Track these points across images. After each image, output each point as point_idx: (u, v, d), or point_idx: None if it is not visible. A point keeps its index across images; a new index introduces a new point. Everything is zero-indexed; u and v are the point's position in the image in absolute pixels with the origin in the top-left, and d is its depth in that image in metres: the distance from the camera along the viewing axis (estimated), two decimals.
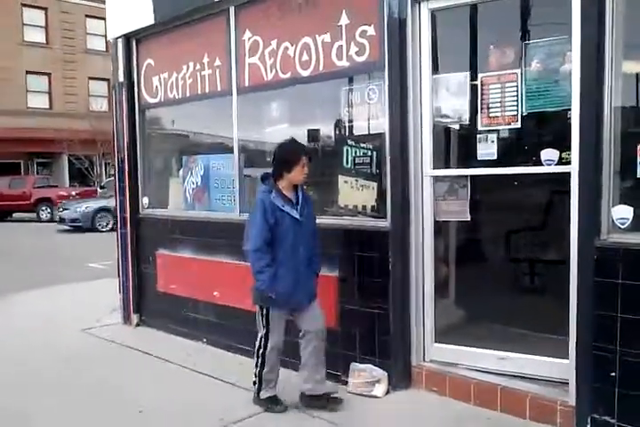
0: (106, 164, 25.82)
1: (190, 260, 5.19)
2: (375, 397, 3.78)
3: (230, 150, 4.98)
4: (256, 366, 3.68)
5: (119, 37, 5.77)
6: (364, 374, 3.85)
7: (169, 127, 6.14)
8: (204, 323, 5.10)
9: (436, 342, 3.87)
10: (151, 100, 5.74)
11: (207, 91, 5.15)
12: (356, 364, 3.95)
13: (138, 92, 5.80)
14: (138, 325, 5.79)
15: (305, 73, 4.36)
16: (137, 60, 5.78)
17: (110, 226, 16.10)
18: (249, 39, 4.72)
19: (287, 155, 3.59)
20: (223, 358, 4.76)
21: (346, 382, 3.97)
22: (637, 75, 3.37)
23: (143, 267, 5.74)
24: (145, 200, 5.83)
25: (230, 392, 4.03)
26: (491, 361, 3.67)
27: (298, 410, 3.68)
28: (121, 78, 5.82)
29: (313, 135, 4.79)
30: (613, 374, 2.95)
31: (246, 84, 4.80)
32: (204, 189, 5.30)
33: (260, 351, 3.65)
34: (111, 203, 16.14)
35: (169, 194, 5.80)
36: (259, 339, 3.67)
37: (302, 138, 4.74)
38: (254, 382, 3.70)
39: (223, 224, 4.95)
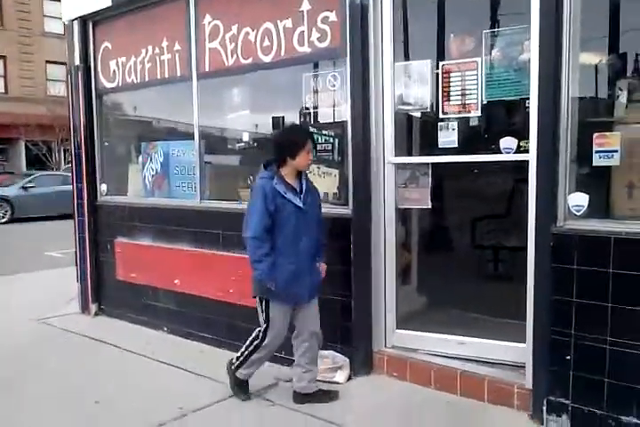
0: (65, 150, 25.12)
1: (150, 248, 5.11)
2: (337, 383, 3.80)
3: (191, 137, 4.90)
4: (241, 354, 3.54)
5: (75, 20, 5.59)
6: (327, 360, 3.86)
7: (128, 113, 6.00)
8: (164, 311, 5.04)
9: (397, 328, 3.91)
10: (109, 85, 5.60)
11: (166, 76, 5.04)
12: (319, 350, 3.95)
13: (95, 76, 5.65)
14: (96, 314, 5.69)
15: (266, 59, 4.31)
16: (94, 44, 5.63)
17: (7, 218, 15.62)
18: (209, 23, 4.63)
19: (292, 139, 3.37)
20: (184, 346, 4.71)
21: None
22: (596, 66, 3.43)
23: (102, 255, 5.63)
24: (103, 187, 5.70)
25: (191, 380, 3.99)
26: (451, 346, 3.73)
27: (259, 397, 3.68)
28: (77, 62, 5.65)
29: (275, 122, 4.75)
30: (569, 357, 3.02)
31: (207, 69, 4.72)
32: (164, 175, 5.21)
33: (255, 342, 3.48)
34: (7, 191, 15.85)
35: (128, 181, 5.68)
36: (255, 333, 3.49)
37: (265, 125, 4.72)
38: (236, 359, 3.57)
39: (184, 211, 4.88)
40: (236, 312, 4.42)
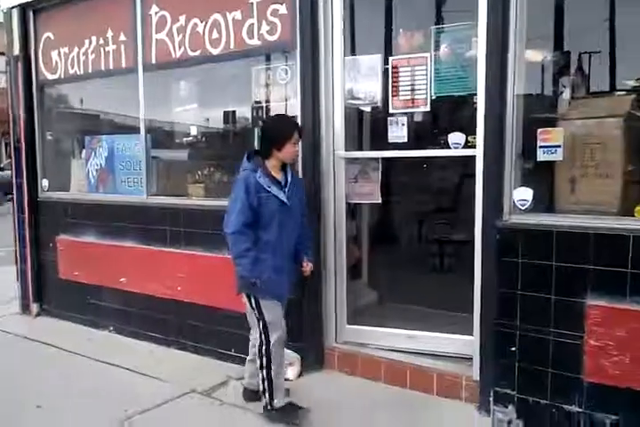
0: (6, 144, 24.17)
1: (95, 245, 4.95)
2: (287, 380, 3.75)
3: (137, 131, 4.76)
4: (261, 367, 3.19)
5: (14, 7, 5.35)
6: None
7: (71, 105, 5.81)
8: (110, 311, 4.89)
9: (348, 323, 3.90)
10: (50, 76, 5.39)
11: (111, 67, 4.89)
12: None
13: (35, 67, 5.43)
14: (38, 314, 5.48)
15: (215, 51, 4.23)
16: (35, 33, 5.40)
17: None
18: (156, 14, 4.51)
19: (279, 130, 3.21)
20: (131, 346, 4.59)
21: None
22: (541, 64, 3.50)
23: (43, 253, 5.43)
24: (45, 183, 5.48)
25: (138, 381, 3.89)
26: (400, 340, 3.75)
27: (207, 396, 3.61)
28: (16, 52, 5.41)
29: (225, 116, 4.69)
30: (514, 348, 3.07)
31: (153, 61, 4.59)
32: (109, 170, 5.05)
33: (263, 348, 3.18)
34: None
35: (71, 176, 5.49)
36: (257, 335, 3.23)
37: (214, 119, 4.64)
38: (263, 390, 3.21)
39: (130, 207, 4.75)
40: (185, 310, 4.35)
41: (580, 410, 2.90)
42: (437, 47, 3.52)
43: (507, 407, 3.12)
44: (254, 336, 3.30)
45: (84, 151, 5.30)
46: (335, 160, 3.78)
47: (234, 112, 4.69)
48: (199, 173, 4.66)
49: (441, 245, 4.55)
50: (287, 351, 3.80)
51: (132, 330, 4.73)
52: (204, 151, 4.99)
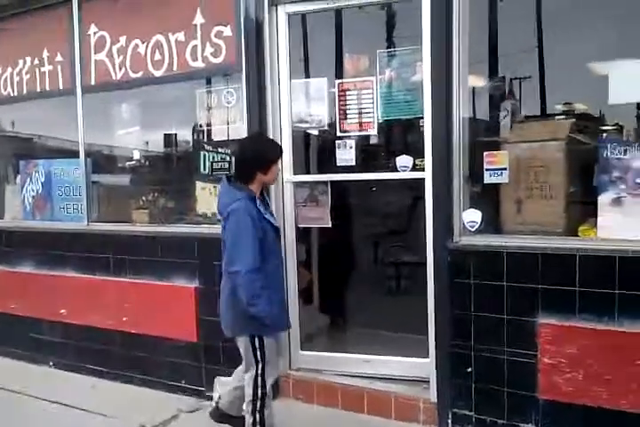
0: None
1: (31, 275, 4.70)
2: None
3: (76, 155, 4.58)
4: (253, 412, 2.93)
5: None
6: (229, 387, 3.71)
7: (4, 128, 5.53)
8: (49, 344, 4.64)
9: (302, 349, 3.84)
10: None
11: (48, 88, 4.72)
12: (221, 377, 3.79)
13: None
14: None
15: (158, 73, 4.14)
16: None
17: None
18: (95, 34, 4.40)
19: (264, 152, 2.93)
20: (73, 381, 4.36)
21: (210, 398, 3.80)
22: (483, 88, 3.60)
23: None
24: None
25: (81, 419, 3.69)
26: (356, 365, 3.71)
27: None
28: None
29: (168, 140, 4.59)
30: (470, 369, 3.10)
31: (92, 82, 4.46)
32: (46, 196, 4.84)
33: (259, 392, 2.92)
34: None
35: (4, 203, 5.22)
36: (252, 379, 2.93)
37: (157, 142, 4.53)
38: None
39: (70, 235, 4.55)
40: (131, 341, 4.17)
41: None
42: (383, 71, 3.56)
43: None
44: (248, 371, 2.98)
45: (18, 176, 5.06)
46: (284, 184, 3.74)
47: (176, 135, 4.59)
48: (143, 198, 4.52)
49: (394, 267, 4.57)
50: None
51: (74, 364, 4.50)
52: (147, 176, 4.85)
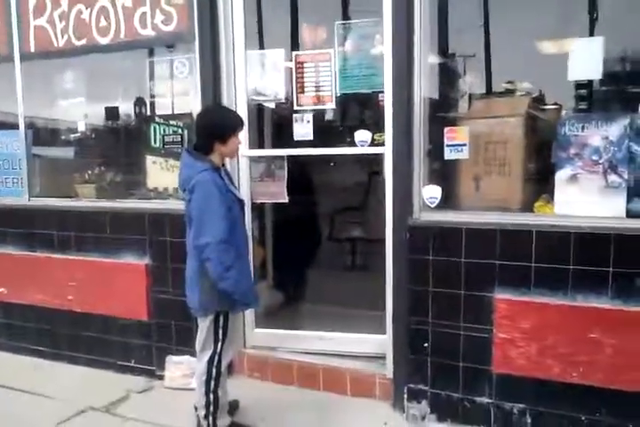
0: None
1: None
2: (192, 389, 3.57)
3: (15, 126, 4.32)
4: (207, 393, 2.87)
5: None
6: (182, 366, 3.63)
7: None
8: None
9: (256, 327, 3.78)
10: None
11: None
12: (173, 356, 3.71)
13: None
14: None
15: (103, 41, 3.93)
16: None
17: None
18: None
19: (223, 123, 2.83)
20: (14, 362, 4.18)
21: (162, 377, 3.71)
22: (444, 63, 3.57)
23: None
24: None
25: (26, 401, 3.54)
26: (311, 342, 3.68)
27: (107, 413, 3.36)
28: None
29: (113, 112, 4.37)
30: (426, 344, 3.11)
31: (32, 49, 4.19)
32: None
33: (214, 372, 2.86)
34: None
35: None
36: (207, 358, 2.86)
37: (104, 114, 4.32)
38: (206, 415, 2.89)
39: (9, 210, 4.32)
40: (77, 321, 4.03)
41: (490, 401, 2.99)
42: (342, 43, 3.47)
43: (420, 403, 3.16)
44: (204, 350, 2.90)
45: None
46: (239, 159, 3.63)
47: (124, 107, 4.38)
48: (89, 172, 4.31)
49: (351, 243, 4.54)
50: (192, 359, 3.62)
51: (15, 344, 4.31)
52: (92, 149, 4.62)
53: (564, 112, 3.28)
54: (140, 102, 4.17)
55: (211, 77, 3.57)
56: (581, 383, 2.77)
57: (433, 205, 3.16)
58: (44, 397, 3.57)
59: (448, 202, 3.19)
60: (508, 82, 3.58)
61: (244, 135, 3.51)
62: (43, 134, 4.53)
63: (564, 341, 2.80)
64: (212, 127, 2.82)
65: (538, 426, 2.89)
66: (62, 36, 4.06)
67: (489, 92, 3.61)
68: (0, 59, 4.33)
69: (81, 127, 4.46)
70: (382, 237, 3.31)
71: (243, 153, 3.62)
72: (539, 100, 3.47)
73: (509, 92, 3.54)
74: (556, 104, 3.43)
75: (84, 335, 4.02)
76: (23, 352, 4.26)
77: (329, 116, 3.74)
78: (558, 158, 2.96)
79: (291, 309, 4.24)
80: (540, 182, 3.18)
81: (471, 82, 3.55)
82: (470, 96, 3.50)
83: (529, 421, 2.91)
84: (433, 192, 3.17)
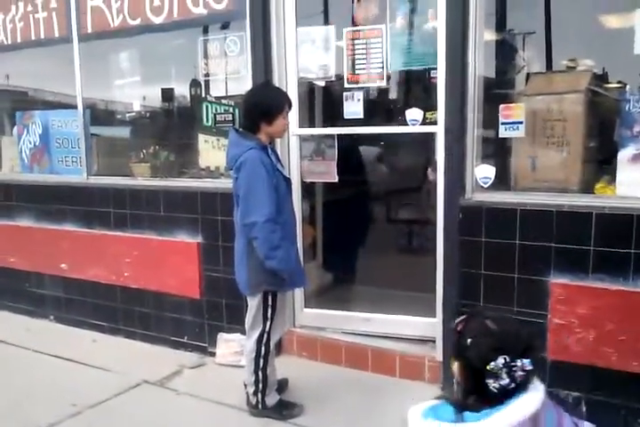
0: None
1: (31, 229, 4.62)
2: (242, 367, 3.63)
3: (74, 106, 4.43)
4: (256, 371, 2.92)
5: None
6: (233, 344, 3.69)
7: None
8: (50, 299, 4.61)
9: (305, 307, 3.79)
10: None
11: (42, 37, 4.52)
12: (224, 334, 3.77)
13: None
14: None
15: (157, 20, 3.96)
16: None
17: None
18: None
19: (269, 102, 2.79)
20: (74, 335, 4.34)
21: (214, 354, 3.78)
22: (501, 39, 3.42)
23: None
24: None
25: (84, 373, 3.67)
26: (360, 323, 3.66)
27: (161, 387, 3.45)
28: None
29: (168, 92, 4.42)
30: None
31: (89, 30, 4.27)
32: (44, 149, 4.71)
33: (263, 351, 2.90)
34: None
35: (1, 155, 5.09)
36: (256, 337, 2.90)
37: (157, 93, 4.38)
38: (255, 392, 2.96)
39: (69, 188, 4.44)
40: (133, 297, 4.14)
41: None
42: (394, 19, 3.37)
43: None
44: (254, 329, 2.93)
45: (15, 128, 4.91)
46: (289, 137, 3.61)
47: (177, 86, 4.43)
48: (144, 151, 4.40)
49: (401, 224, 4.47)
50: (242, 337, 3.67)
51: (75, 318, 4.48)
52: (147, 128, 4.71)
53: (627, 88, 3.10)
54: (193, 82, 4.20)
55: (262, 56, 3.54)
56: None
57: (486, 186, 3.07)
58: (101, 369, 3.69)
59: (502, 182, 3.09)
60: (570, 60, 3.41)
61: (293, 114, 3.51)
62: (100, 114, 4.63)
63: (623, 328, 2.68)
64: (258, 107, 2.79)
65: (594, 414, 2.79)
66: (117, 16, 4.11)
67: (549, 70, 3.44)
68: (59, 40, 4.43)
69: (136, 107, 4.55)
70: (434, 217, 3.24)
71: (293, 132, 3.60)
72: (601, 78, 3.30)
73: (570, 70, 3.37)
74: (619, 82, 3.25)
75: (140, 311, 4.14)
76: (82, 326, 4.43)
77: (380, 94, 3.67)
78: (621, 137, 2.81)
79: (340, 289, 4.23)
80: (601, 162, 3.03)
81: (529, 59, 3.40)
82: (528, 74, 3.35)
83: (584, 409, 2.82)
84: (486, 172, 3.06)
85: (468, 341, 1.48)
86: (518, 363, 1.40)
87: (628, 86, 3.10)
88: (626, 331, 2.67)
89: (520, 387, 1.42)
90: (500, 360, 1.40)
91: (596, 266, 2.75)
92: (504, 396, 1.41)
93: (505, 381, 1.40)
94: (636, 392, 2.67)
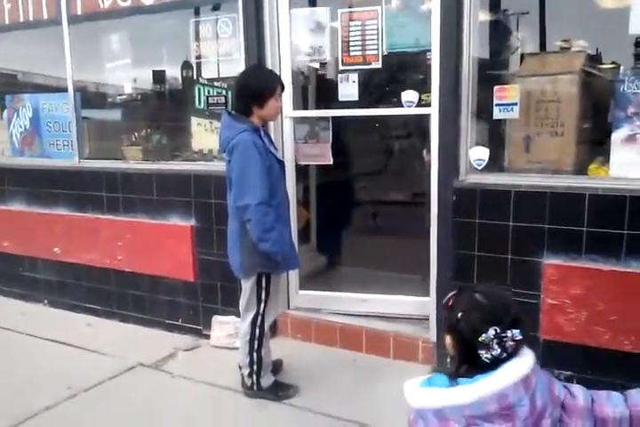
0: None
1: (23, 213, 4.59)
2: (237, 348, 3.64)
3: (64, 89, 4.38)
4: (250, 352, 2.95)
5: None
6: (227, 326, 3.70)
7: None
8: (43, 283, 4.59)
9: (300, 289, 3.80)
10: None
11: (31, 19, 4.44)
12: (218, 316, 3.78)
13: None
14: None
15: (148, 1, 3.92)
16: None
17: None
18: None
19: (259, 84, 2.78)
20: (69, 319, 4.33)
21: (208, 336, 3.80)
22: (495, 20, 3.41)
23: None
24: None
25: (79, 357, 3.67)
26: (355, 304, 3.69)
27: (156, 369, 3.46)
28: None
29: (160, 75, 4.38)
30: None
31: (79, 11, 4.21)
32: (35, 132, 4.66)
33: (257, 332, 2.92)
34: None
35: None
36: (250, 319, 2.92)
37: (149, 76, 4.33)
38: (249, 374, 2.99)
39: (61, 172, 4.41)
40: (127, 280, 4.13)
41: None
42: (389, 1, 3.35)
43: None
44: (248, 311, 2.95)
45: (5, 111, 4.86)
46: (283, 120, 3.59)
47: (169, 69, 4.38)
48: (135, 134, 4.36)
49: (395, 206, 4.46)
50: (237, 319, 3.68)
51: (69, 302, 4.47)
52: (139, 111, 4.67)
53: (622, 69, 3.10)
54: (185, 64, 4.16)
55: (254, 37, 3.51)
56: (633, 351, 2.68)
57: (480, 167, 3.07)
58: (96, 353, 3.70)
59: (496, 164, 3.10)
60: (564, 40, 3.39)
61: (287, 96, 3.49)
62: (91, 97, 4.59)
63: (616, 308, 2.71)
64: (249, 90, 2.79)
65: None
66: None
67: (543, 50, 3.44)
68: (48, 22, 4.36)
69: (127, 90, 4.50)
70: (428, 199, 3.24)
71: (287, 114, 3.58)
72: (596, 60, 3.29)
73: (564, 51, 3.36)
74: (614, 64, 3.25)
75: (134, 294, 4.14)
76: (76, 310, 4.42)
77: (375, 76, 3.64)
78: (616, 118, 2.81)
79: (335, 271, 4.25)
80: (595, 144, 3.04)
81: (524, 40, 3.39)
82: (522, 55, 3.34)
83: None
84: (480, 153, 3.07)
85: (459, 315, 1.51)
86: (508, 333, 1.45)
87: (622, 67, 3.09)
88: (617, 311, 2.71)
89: (511, 356, 1.47)
90: (491, 332, 1.44)
91: (588, 247, 2.77)
92: (496, 365, 1.46)
93: (496, 351, 1.44)
94: (627, 371, 2.70)
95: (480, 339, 1.45)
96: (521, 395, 1.43)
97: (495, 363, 1.45)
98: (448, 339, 1.58)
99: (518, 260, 2.93)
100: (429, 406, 1.47)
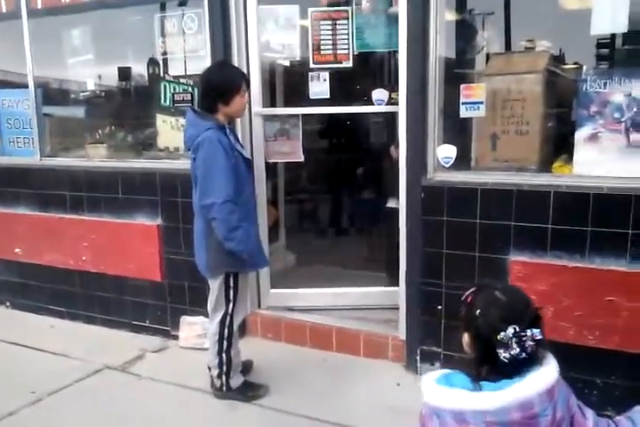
0: None
1: None
2: (206, 349, 3.60)
3: (24, 85, 4.26)
4: (219, 353, 2.91)
5: None
6: (196, 327, 3.65)
7: None
8: (5, 285, 4.47)
9: (272, 287, 3.79)
10: None
11: None
12: (187, 317, 3.74)
13: None
14: None
15: None
16: None
17: None
18: None
19: (223, 82, 2.75)
20: (31, 322, 4.23)
21: (176, 337, 3.75)
22: (461, 20, 3.43)
23: None
24: None
25: (42, 360, 3.59)
26: (326, 299, 3.71)
27: (123, 371, 3.40)
28: None
29: (125, 71, 4.29)
30: (440, 307, 3.09)
31: (39, 5, 4.10)
32: None
33: (226, 332, 2.89)
34: None
35: None
36: (219, 319, 2.88)
37: (113, 72, 4.25)
38: (219, 374, 2.95)
39: (21, 170, 4.30)
40: (92, 281, 4.05)
41: None
42: (359, 1, 3.36)
43: (433, 365, 3.16)
44: (216, 311, 2.92)
45: None
46: (252, 117, 3.55)
47: (133, 65, 4.30)
48: (99, 131, 4.28)
49: (364, 203, 4.46)
50: (206, 320, 3.64)
51: (32, 304, 4.36)
52: (102, 108, 4.56)
53: (584, 69, 3.16)
54: (151, 61, 4.08)
55: (220, 34, 3.47)
56: (597, 347, 2.73)
57: (447, 165, 3.10)
58: (61, 355, 3.61)
59: (463, 162, 3.13)
60: (528, 40, 3.45)
61: (257, 93, 3.47)
62: (53, 93, 4.46)
63: (580, 304, 2.75)
64: (214, 87, 2.76)
65: None
66: None
67: (508, 50, 3.48)
68: (7, 15, 4.25)
69: (91, 86, 4.40)
70: (397, 197, 3.25)
71: (257, 111, 3.56)
72: (559, 60, 3.35)
73: (529, 50, 3.41)
74: (576, 64, 3.31)
75: (100, 296, 4.05)
76: (40, 312, 4.32)
77: (345, 74, 3.64)
78: (579, 116, 2.86)
79: (305, 269, 4.24)
80: (559, 142, 3.08)
81: (489, 39, 3.43)
82: (488, 54, 3.38)
83: None
84: (447, 152, 3.09)
85: (477, 312, 1.48)
86: (528, 333, 1.42)
87: (584, 67, 3.16)
88: (582, 306, 2.75)
89: (531, 357, 1.43)
90: (510, 330, 1.41)
91: (553, 244, 2.81)
92: (515, 366, 1.43)
93: (515, 350, 1.41)
94: (592, 366, 2.75)
95: (499, 337, 1.41)
96: (545, 405, 1.40)
97: (514, 364, 1.42)
98: (466, 337, 1.54)
99: (485, 257, 2.96)
100: (449, 408, 1.43)
